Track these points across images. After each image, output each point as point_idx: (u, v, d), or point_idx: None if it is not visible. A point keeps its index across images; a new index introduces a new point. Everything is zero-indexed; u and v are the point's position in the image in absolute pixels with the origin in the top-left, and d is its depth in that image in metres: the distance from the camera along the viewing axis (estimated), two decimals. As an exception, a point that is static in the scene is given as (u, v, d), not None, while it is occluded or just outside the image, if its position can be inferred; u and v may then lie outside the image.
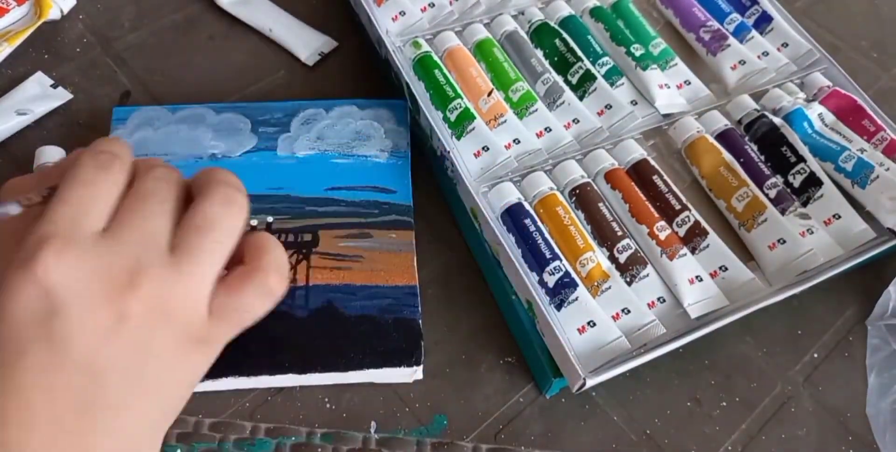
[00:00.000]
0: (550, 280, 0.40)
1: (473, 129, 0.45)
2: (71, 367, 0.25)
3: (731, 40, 0.52)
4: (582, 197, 0.44)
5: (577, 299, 0.39)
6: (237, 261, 0.28)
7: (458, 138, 0.45)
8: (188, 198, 0.29)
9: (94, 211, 0.26)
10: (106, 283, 0.25)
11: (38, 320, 0.24)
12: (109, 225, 0.26)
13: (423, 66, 0.49)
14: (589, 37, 0.51)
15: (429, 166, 0.49)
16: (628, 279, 0.41)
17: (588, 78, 0.49)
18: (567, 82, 0.50)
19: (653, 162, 0.46)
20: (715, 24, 0.53)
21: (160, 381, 0.27)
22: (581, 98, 0.49)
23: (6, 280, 0.25)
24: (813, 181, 0.45)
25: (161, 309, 0.26)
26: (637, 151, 0.46)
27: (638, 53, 0.50)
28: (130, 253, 0.26)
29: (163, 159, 0.29)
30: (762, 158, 0.47)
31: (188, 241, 0.27)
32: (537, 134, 0.47)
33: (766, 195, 0.45)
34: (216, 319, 0.27)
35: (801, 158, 0.46)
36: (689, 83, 0.51)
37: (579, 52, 0.50)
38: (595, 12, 0.53)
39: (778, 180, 0.46)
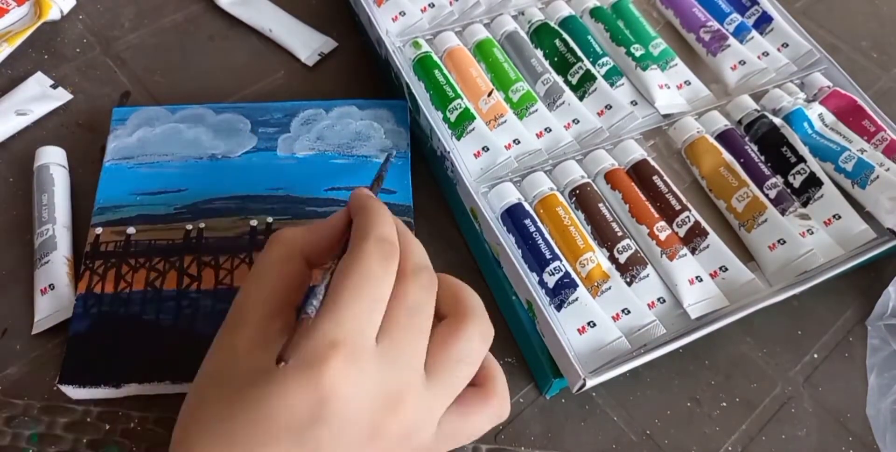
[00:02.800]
0: (550, 281, 0.40)
1: (473, 129, 0.45)
2: None
3: (732, 40, 0.52)
4: (582, 197, 0.44)
5: (577, 299, 0.39)
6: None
7: (458, 139, 0.45)
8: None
9: (376, 316, 0.27)
10: (375, 401, 0.26)
11: (299, 423, 0.24)
12: (382, 338, 0.26)
13: (423, 66, 0.49)
14: (589, 37, 0.51)
15: (429, 167, 0.49)
16: (628, 280, 0.41)
17: (588, 78, 0.49)
18: (567, 83, 0.50)
19: (653, 162, 0.46)
20: (715, 25, 0.53)
21: None
22: (581, 98, 0.49)
23: (290, 375, 0.24)
24: (813, 182, 0.45)
25: (408, 432, 0.27)
26: (637, 152, 0.46)
27: (638, 54, 0.50)
28: (400, 374, 0.26)
29: (420, 247, 0.30)
30: (762, 158, 0.47)
31: (446, 372, 0.28)
32: (537, 134, 0.47)
33: (766, 196, 0.45)
34: (444, 438, 0.28)
35: (801, 159, 0.46)
36: (689, 83, 0.51)
37: (579, 53, 0.50)
38: (595, 12, 0.53)
39: (778, 180, 0.46)
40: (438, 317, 0.29)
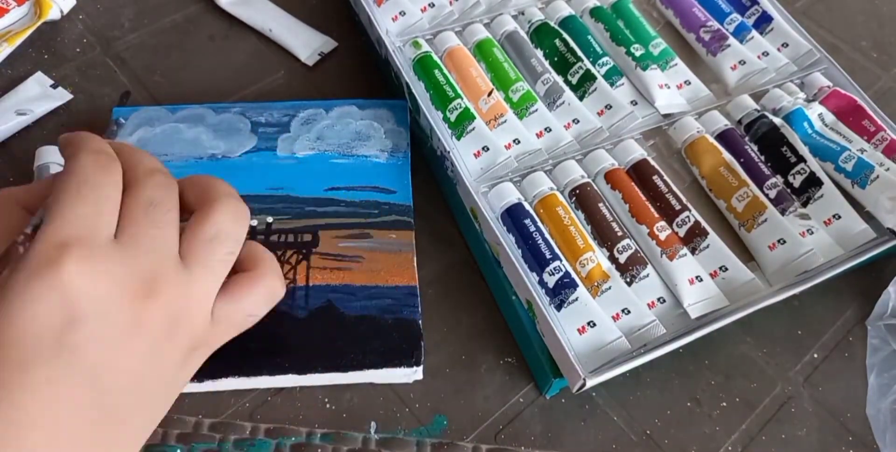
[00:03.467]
0: (550, 280, 0.40)
1: (473, 129, 0.45)
2: (80, 379, 0.24)
3: (732, 40, 0.52)
4: (582, 197, 0.44)
5: (577, 299, 0.39)
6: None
7: (458, 138, 0.45)
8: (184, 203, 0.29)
9: (104, 215, 0.26)
10: (126, 291, 0.25)
11: (54, 329, 0.23)
12: (120, 235, 0.26)
13: (423, 66, 0.49)
14: (589, 37, 0.51)
15: (429, 166, 0.49)
16: (628, 280, 0.41)
17: (588, 78, 0.49)
18: (567, 82, 0.50)
19: (653, 162, 0.46)
20: (715, 25, 0.53)
21: (163, 387, 0.27)
22: (581, 98, 0.49)
23: (22, 285, 0.24)
24: (813, 181, 0.45)
25: (174, 318, 0.26)
26: (637, 152, 0.46)
27: (638, 53, 0.50)
28: (147, 262, 0.26)
29: (153, 158, 0.30)
30: (762, 158, 0.47)
31: (201, 252, 0.27)
32: (537, 134, 0.47)
33: (766, 195, 0.45)
34: (219, 324, 0.28)
35: (801, 159, 0.46)
36: (689, 83, 0.51)
37: (579, 53, 0.50)
38: (595, 12, 0.53)
39: (778, 180, 0.46)
40: (191, 212, 0.29)
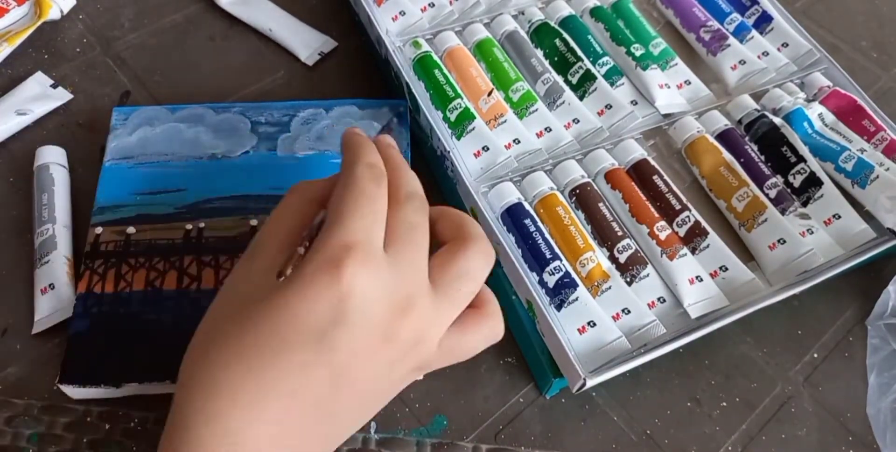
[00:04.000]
0: (550, 280, 0.40)
1: (473, 129, 0.45)
2: (326, 370, 0.26)
3: (732, 40, 0.52)
4: (582, 197, 0.44)
5: (577, 299, 0.39)
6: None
7: (458, 138, 0.45)
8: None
9: (379, 227, 0.28)
10: (390, 303, 0.27)
11: (322, 323, 0.25)
12: (388, 249, 0.28)
13: (423, 66, 0.49)
14: (589, 37, 0.51)
15: (429, 166, 0.49)
16: (628, 279, 0.41)
17: (588, 78, 0.49)
18: (567, 82, 0.50)
19: (653, 162, 0.46)
20: (715, 24, 0.53)
21: (380, 396, 0.29)
22: (581, 98, 0.49)
23: (308, 277, 0.26)
24: (813, 181, 0.45)
25: (417, 339, 0.28)
26: (637, 151, 0.46)
27: (638, 53, 0.50)
28: (409, 280, 0.28)
29: (414, 178, 0.32)
30: (762, 158, 0.47)
31: (449, 285, 0.29)
32: (537, 134, 0.47)
33: (767, 195, 0.45)
34: (443, 354, 0.29)
35: (802, 158, 0.46)
36: (690, 83, 0.51)
37: (579, 52, 0.50)
38: (595, 12, 0.53)
39: (778, 180, 0.46)
40: (441, 243, 0.31)
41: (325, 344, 0.25)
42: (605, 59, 0.50)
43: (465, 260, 0.29)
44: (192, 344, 0.28)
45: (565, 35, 0.51)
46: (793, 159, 0.46)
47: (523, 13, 0.53)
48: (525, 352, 0.42)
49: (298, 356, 0.25)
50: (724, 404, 0.42)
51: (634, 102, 0.49)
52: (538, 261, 0.40)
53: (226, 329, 0.26)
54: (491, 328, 0.31)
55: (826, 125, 0.49)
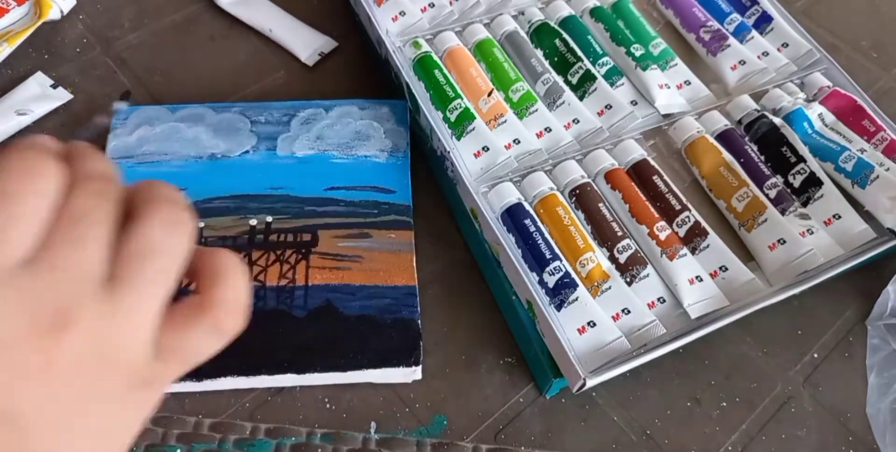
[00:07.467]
0: (550, 280, 0.40)
1: (473, 129, 0.45)
2: None
3: (732, 40, 0.52)
4: (582, 197, 0.44)
5: (577, 299, 0.39)
6: (190, 281, 0.25)
7: (458, 138, 0.45)
8: (128, 214, 0.25)
9: (17, 235, 0.22)
10: (32, 326, 0.22)
11: None
12: (37, 254, 0.22)
13: (423, 66, 0.49)
14: (589, 37, 0.51)
15: (429, 166, 0.49)
16: (628, 280, 0.41)
17: (588, 78, 0.49)
18: (567, 82, 0.50)
19: (653, 162, 0.46)
20: (715, 25, 0.53)
21: (101, 427, 0.24)
22: (581, 98, 0.49)
23: None
24: (813, 181, 0.45)
25: (98, 352, 0.23)
26: (637, 152, 0.46)
27: (638, 53, 0.50)
28: (60, 288, 0.22)
29: (101, 160, 0.25)
30: (762, 158, 0.47)
31: (127, 271, 0.23)
32: (537, 134, 0.47)
33: (766, 195, 0.45)
34: (165, 359, 0.24)
35: (801, 159, 0.46)
36: (689, 83, 0.51)
37: (579, 53, 0.50)
38: (595, 12, 0.53)
39: (778, 180, 0.46)
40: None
41: None
42: (604, 59, 0.50)
43: (142, 233, 0.24)
44: None
45: (565, 35, 0.51)
46: (793, 159, 0.46)
47: (523, 13, 0.53)
48: (525, 352, 0.42)
49: None
50: (724, 404, 0.42)
51: (634, 103, 0.49)
52: (538, 261, 0.40)
53: None
54: (211, 322, 0.25)
55: (826, 125, 0.49)
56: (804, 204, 0.45)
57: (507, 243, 0.41)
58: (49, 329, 0.22)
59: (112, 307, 0.23)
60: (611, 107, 0.48)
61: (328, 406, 0.40)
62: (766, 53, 0.52)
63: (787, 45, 0.53)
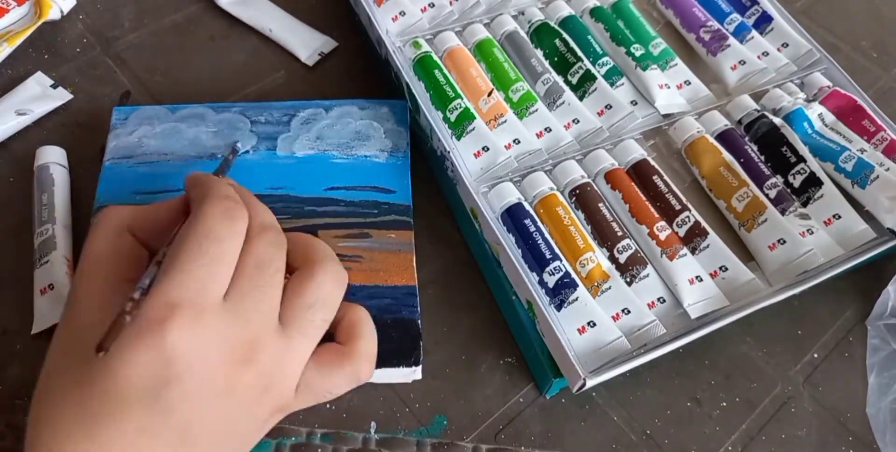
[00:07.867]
0: (550, 280, 0.40)
1: (473, 129, 0.45)
2: (170, 433, 0.25)
3: (732, 40, 0.52)
4: (582, 197, 0.44)
5: (577, 299, 0.39)
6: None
7: (458, 138, 0.45)
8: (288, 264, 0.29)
9: (221, 274, 0.26)
10: (225, 356, 0.26)
11: (151, 385, 0.24)
12: (231, 293, 0.26)
13: (423, 66, 0.49)
14: (589, 37, 0.51)
15: (429, 166, 0.49)
16: (628, 280, 0.41)
17: (588, 78, 0.49)
18: (567, 82, 0.50)
19: (653, 162, 0.46)
20: (715, 25, 0.53)
21: (243, 443, 0.28)
22: (581, 98, 0.49)
23: (128, 343, 0.24)
24: (813, 181, 0.45)
25: (266, 384, 0.27)
26: (637, 152, 0.46)
27: (638, 53, 0.50)
28: (250, 327, 0.26)
29: (267, 210, 0.30)
30: (762, 158, 0.47)
31: (300, 318, 0.28)
32: (537, 134, 0.47)
33: (766, 195, 0.45)
34: (304, 393, 0.28)
35: (801, 159, 0.46)
36: (689, 83, 0.51)
37: (579, 53, 0.50)
38: (595, 12, 0.53)
39: (778, 180, 0.46)
40: (292, 270, 0.29)
41: (158, 408, 0.24)
42: (604, 59, 0.50)
43: (314, 286, 0.28)
44: (35, 398, 0.27)
45: (565, 35, 0.51)
46: (793, 159, 0.46)
47: (523, 13, 0.53)
48: (525, 352, 0.42)
49: (133, 423, 0.24)
50: (724, 404, 0.42)
51: (634, 103, 0.49)
52: (538, 261, 0.40)
53: (65, 388, 0.25)
54: (353, 369, 0.30)
55: (826, 125, 0.49)
56: (804, 204, 0.45)
57: (507, 243, 0.41)
58: (237, 361, 0.26)
59: (285, 348, 0.27)
60: (611, 107, 0.48)
61: (328, 405, 0.40)
62: (766, 53, 0.52)
63: (787, 45, 0.53)
